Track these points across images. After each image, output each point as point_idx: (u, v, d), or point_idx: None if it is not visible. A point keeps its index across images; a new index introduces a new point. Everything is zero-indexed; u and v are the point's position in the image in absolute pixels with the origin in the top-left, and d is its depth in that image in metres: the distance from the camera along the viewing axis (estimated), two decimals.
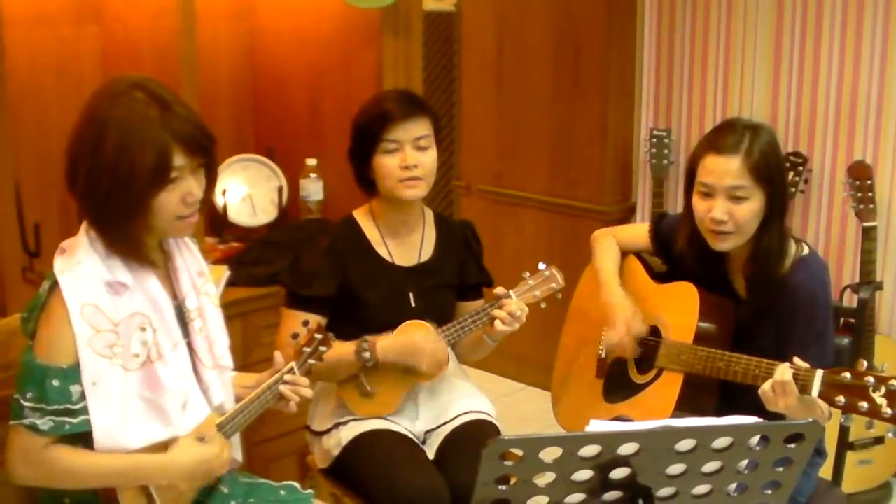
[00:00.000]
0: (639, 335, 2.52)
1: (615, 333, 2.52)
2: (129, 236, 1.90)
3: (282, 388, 2.11)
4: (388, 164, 2.46)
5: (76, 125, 1.89)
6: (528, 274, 2.56)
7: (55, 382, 1.84)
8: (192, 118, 1.90)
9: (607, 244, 2.70)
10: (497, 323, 2.46)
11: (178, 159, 1.86)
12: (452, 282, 2.63)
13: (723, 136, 2.32)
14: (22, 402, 1.85)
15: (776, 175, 2.31)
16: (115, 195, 1.84)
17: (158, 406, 1.93)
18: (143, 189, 1.85)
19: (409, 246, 2.59)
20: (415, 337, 2.46)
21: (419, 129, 2.47)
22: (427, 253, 2.60)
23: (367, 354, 2.42)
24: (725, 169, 2.28)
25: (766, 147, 2.30)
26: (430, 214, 2.66)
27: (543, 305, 2.57)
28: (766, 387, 2.15)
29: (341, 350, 2.40)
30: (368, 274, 2.52)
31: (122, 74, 1.93)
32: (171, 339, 1.97)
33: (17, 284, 2.58)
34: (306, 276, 2.48)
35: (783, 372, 2.13)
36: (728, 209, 2.29)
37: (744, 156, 2.27)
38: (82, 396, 1.85)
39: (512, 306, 2.47)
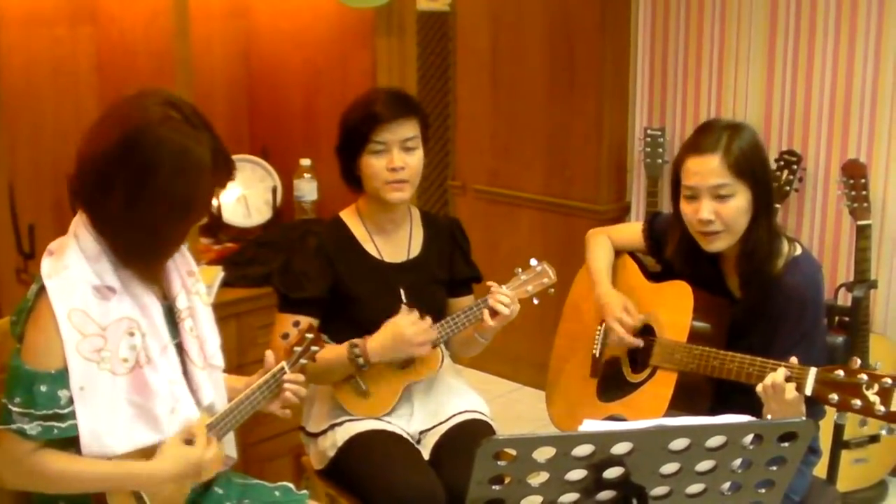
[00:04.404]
0: (635, 326, 2.53)
1: (612, 330, 2.53)
2: (159, 265, 1.96)
3: (286, 388, 2.11)
4: (374, 164, 2.46)
5: (109, 142, 1.83)
6: (519, 270, 2.56)
7: (43, 388, 1.83)
8: (220, 142, 1.93)
9: (601, 243, 2.70)
10: (487, 316, 2.46)
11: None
12: (442, 277, 2.64)
13: (701, 138, 2.33)
14: (10, 406, 1.84)
15: (758, 170, 2.31)
16: (170, 221, 1.88)
17: (147, 411, 1.91)
18: (201, 215, 1.92)
19: (397, 243, 2.60)
20: (399, 326, 2.43)
21: (407, 130, 2.47)
22: (415, 249, 2.61)
23: (360, 360, 2.42)
24: (706, 169, 2.28)
25: (745, 144, 2.30)
26: (416, 212, 2.67)
27: (536, 301, 2.57)
28: (759, 389, 2.16)
29: (334, 353, 2.40)
30: (358, 272, 2.52)
31: (147, 91, 1.91)
32: (160, 343, 1.96)
33: (11, 286, 2.58)
34: (297, 278, 2.48)
35: (775, 375, 2.13)
36: (714, 209, 2.29)
37: (723, 153, 2.27)
38: (70, 401, 1.84)
39: (501, 296, 2.46)
